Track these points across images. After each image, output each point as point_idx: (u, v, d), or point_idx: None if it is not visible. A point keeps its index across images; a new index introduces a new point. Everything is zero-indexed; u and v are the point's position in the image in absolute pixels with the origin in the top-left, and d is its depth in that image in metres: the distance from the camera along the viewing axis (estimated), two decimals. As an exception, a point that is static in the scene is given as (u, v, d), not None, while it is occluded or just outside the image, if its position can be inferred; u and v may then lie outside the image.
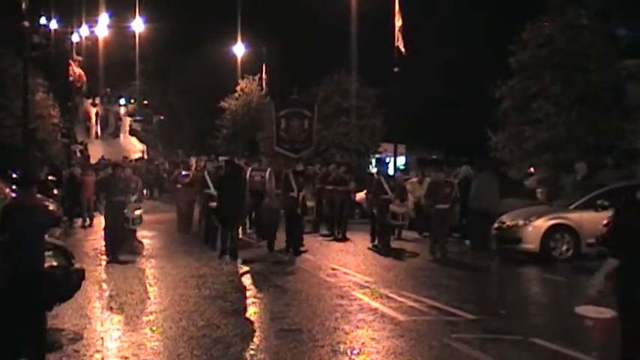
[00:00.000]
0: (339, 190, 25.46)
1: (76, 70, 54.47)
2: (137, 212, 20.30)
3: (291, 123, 30.96)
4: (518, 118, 28.53)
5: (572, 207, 20.87)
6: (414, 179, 27.58)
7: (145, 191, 37.78)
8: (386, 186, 22.65)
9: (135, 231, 20.84)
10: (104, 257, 19.37)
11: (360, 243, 23.52)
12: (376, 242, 22.81)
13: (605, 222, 18.69)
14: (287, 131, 30.84)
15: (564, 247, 20.28)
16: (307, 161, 29.80)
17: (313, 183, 26.09)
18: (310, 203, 23.03)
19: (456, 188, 21.22)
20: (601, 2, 28.04)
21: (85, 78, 52.14)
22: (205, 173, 23.59)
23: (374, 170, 42.65)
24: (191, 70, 64.22)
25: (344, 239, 24.42)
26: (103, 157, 41.97)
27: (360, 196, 29.05)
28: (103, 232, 20.37)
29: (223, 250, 19.84)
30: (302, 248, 21.12)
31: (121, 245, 19.67)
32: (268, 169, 23.75)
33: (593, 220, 19.49)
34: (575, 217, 20.35)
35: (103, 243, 20.09)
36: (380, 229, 22.76)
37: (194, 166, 27.51)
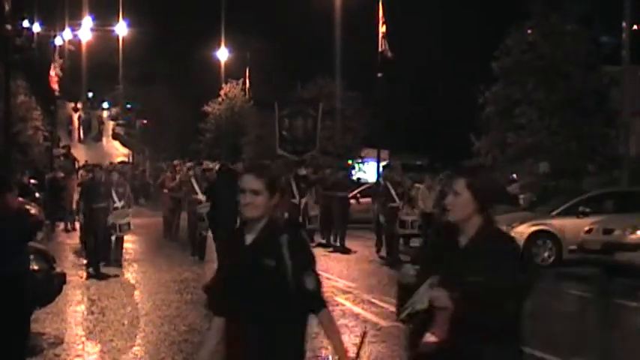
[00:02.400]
0: (337, 196, 23.68)
1: (57, 72, 54.26)
2: (125, 219, 18.88)
3: (295, 123, 27.94)
4: (501, 124, 28.62)
5: (554, 213, 20.94)
6: (420, 185, 24.39)
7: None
8: (393, 193, 21.05)
9: (122, 240, 19.51)
10: (85, 266, 18.31)
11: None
12: (382, 252, 21.48)
13: (586, 228, 18.92)
14: (290, 131, 27.82)
15: (546, 254, 20.32)
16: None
17: (316, 188, 23.68)
18: (314, 212, 21.24)
19: None
20: (583, 9, 28.20)
21: (56, 82, 52.07)
22: (192, 179, 22.64)
23: (358, 174, 42.64)
24: (174, 74, 64.11)
25: (343, 249, 22.83)
26: (86, 161, 41.76)
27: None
28: (82, 244, 19.21)
29: None
30: None
31: (107, 256, 18.57)
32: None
33: (574, 226, 19.65)
34: (557, 224, 20.42)
35: (84, 253, 18.95)
36: (388, 240, 21.21)
37: (178, 169, 27.02)
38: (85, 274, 17.49)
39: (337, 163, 30.11)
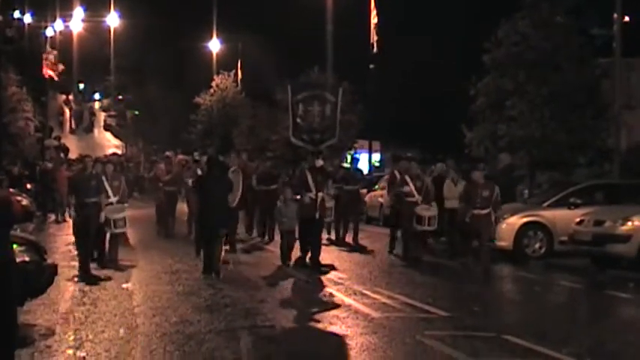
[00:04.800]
0: (346, 189, 22.97)
1: (51, 60, 54.21)
2: (120, 214, 17.63)
3: (310, 108, 23.21)
4: (492, 116, 28.61)
5: (545, 205, 21.00)
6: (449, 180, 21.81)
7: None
8: (412, 187, 19.65)
9: (118, 236, 18.21)
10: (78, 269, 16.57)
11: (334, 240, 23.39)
12: (396, 252, 20.28)
13: (577, 220, 18.96)
14: (305, 119, 23.27)
15: (537, 245, 20.39)
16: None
17: (333, 181, 21.51)
18: (329, 204, 19.85)
19: (496, 191, 17.77)
20: (575, 0, 28.18)
21: (58, 70, 51.95)
22: (198, 171, 21.49)
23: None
24: (166, 65, 64.07)
25: (357, 246, 22.19)
26: (80, 154, 41.61)
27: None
28: (74, 243, 17.64)
29: (207, 266, 16.49)
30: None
31: (101, 256, 17.54)
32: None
33: (565, 217, 19.72)
34: (548, 215, 20.48)
35: (76, 253, 17.31)
36: (406, 239, 19.83)
37: (173, 161, 26.38)
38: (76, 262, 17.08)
39: (339, 156, 29.50)
